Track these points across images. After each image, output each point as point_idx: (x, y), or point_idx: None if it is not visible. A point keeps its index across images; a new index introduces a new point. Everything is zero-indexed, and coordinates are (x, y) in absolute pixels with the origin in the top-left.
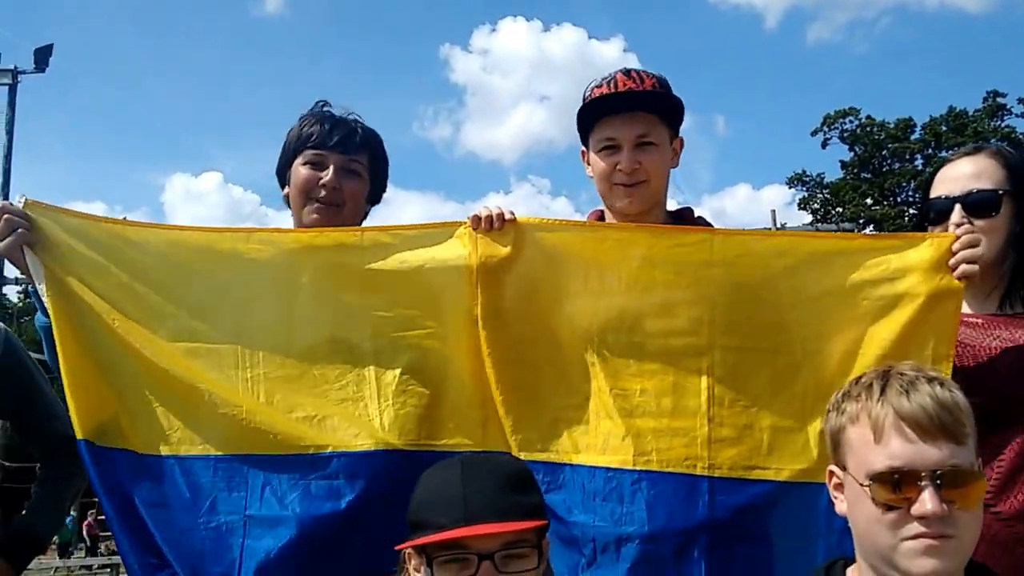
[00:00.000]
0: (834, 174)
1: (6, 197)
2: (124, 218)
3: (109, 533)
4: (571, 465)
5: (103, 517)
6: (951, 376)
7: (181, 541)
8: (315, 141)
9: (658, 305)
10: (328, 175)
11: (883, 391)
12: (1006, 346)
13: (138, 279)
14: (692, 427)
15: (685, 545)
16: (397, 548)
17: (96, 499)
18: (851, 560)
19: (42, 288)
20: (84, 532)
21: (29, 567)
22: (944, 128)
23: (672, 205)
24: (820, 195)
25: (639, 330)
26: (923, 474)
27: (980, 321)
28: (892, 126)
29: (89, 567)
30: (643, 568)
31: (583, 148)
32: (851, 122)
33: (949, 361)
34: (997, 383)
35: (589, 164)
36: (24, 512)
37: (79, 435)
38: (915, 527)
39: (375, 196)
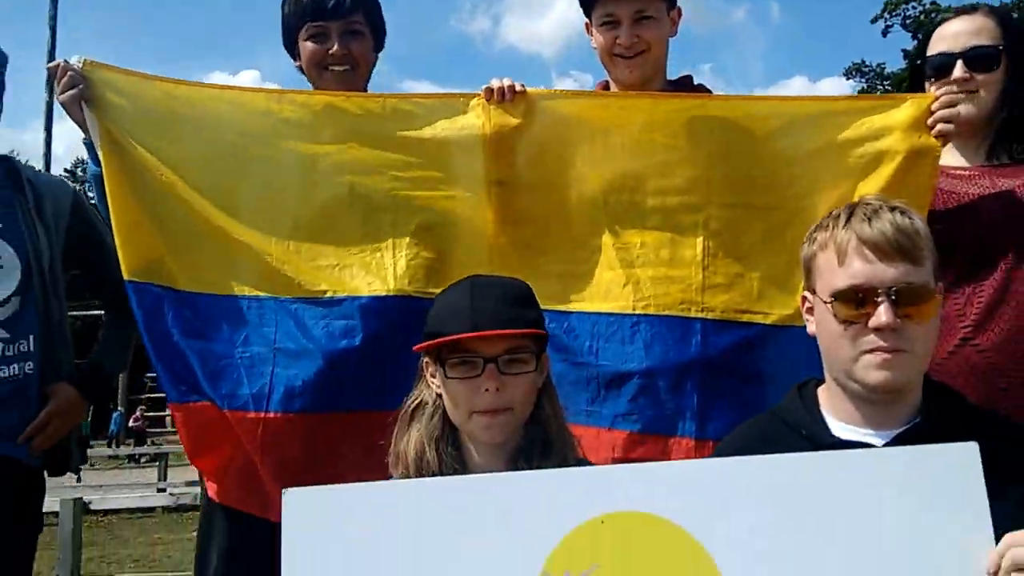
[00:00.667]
0: (896, 64)
1: (50, 93)
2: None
3: (155, 430)
4: (577, 313)
5: (150, 414)
6: (933, 223)
7: (218, 368)
8: (313, 13)
9: (658, 166)
10: (334, 46)
11: (848, 219)
12: (986, 193)
13: (184, 134)
14: (687, 275)
15: (679, 380)
16: (415, 348)
17: (143, 396)
18: (822, 381)
19: (97, 140)
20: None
21: None
22: (1016, 15)
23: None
24: (880, 87)
25: (640, 190)
26: (880, 291)
27: (966, 173)
28: None
29: (137, 459)
30: (643, 400)
31: (586, 21)
32: (914, 8)
33: (924, 212)
34: (978, 228)
35: (592, 36)
36: (94, 352)
37: (126, 275)
38: (872, 340)
39: (379, 45)
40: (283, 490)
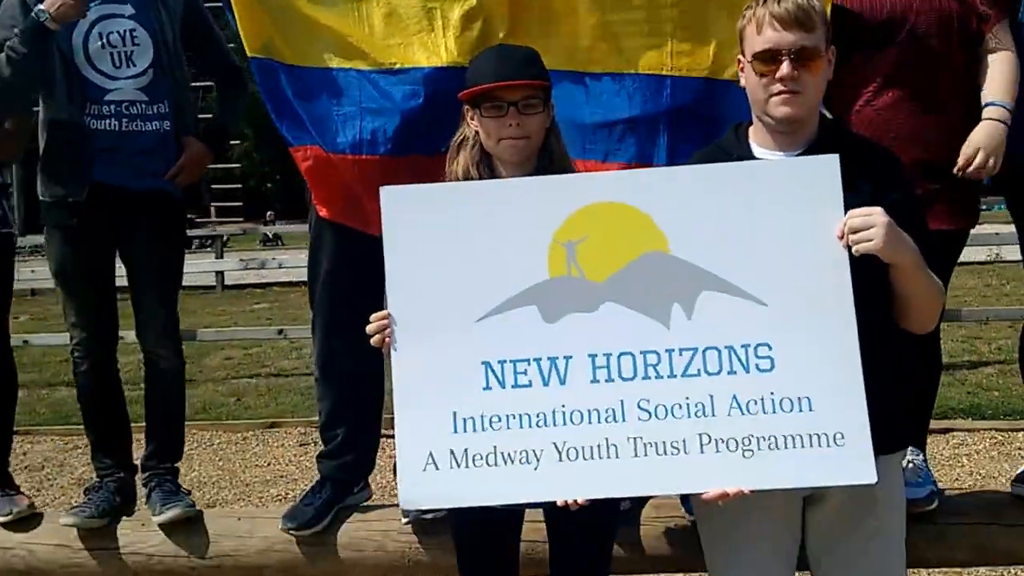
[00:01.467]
0: None
1: None
2: None
3: (203, 219)
4: (578, 72)
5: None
6: (851, 10)
7: (321, 121)
8: None
9: None
10: None
11: (765, 1)
12: None
13: None
14: (661, 43)
15: (654, 124)
16: (459, 97)
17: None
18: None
19: None
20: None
21: None
22: None
23: None
24: None
25: None
26: (783, 51)
27: None
28: None
29: (189, 245)
30: (628, 139)
31: None
32: None
33: (827, 4)
34: (883, 15)
35: None
36: (212, 118)
37: (249, 52)
38: (778, 86)
39: None
40: (381, 188)
